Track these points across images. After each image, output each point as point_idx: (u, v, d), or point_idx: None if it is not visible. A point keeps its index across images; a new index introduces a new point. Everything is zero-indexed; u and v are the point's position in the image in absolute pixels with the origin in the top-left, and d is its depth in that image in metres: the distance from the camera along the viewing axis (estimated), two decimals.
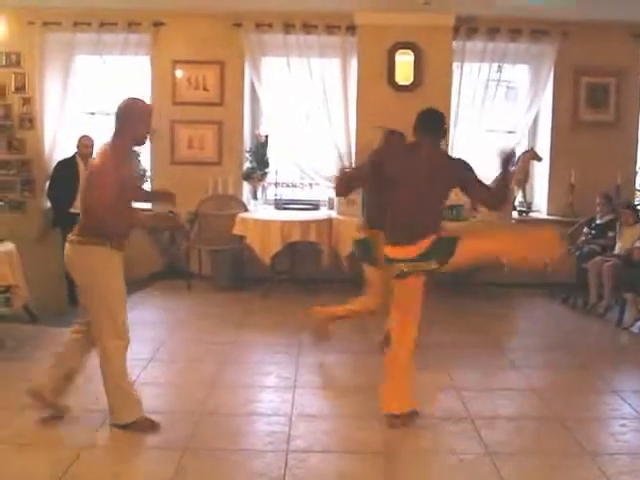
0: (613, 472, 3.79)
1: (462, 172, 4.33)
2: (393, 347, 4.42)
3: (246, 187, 8.69)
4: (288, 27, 8.18)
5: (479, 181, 4.34)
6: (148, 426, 4.16)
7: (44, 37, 8.22)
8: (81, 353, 4.24)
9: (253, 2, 7.86)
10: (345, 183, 4.93)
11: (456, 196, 7.15)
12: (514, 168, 8.37)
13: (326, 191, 8.60)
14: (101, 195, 3.89)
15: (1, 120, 8.47)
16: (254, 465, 3.82)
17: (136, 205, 4.39)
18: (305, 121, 8.72)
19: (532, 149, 8.59)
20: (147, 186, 8.41)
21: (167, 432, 4.16)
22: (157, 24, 8.28)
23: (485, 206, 4.87)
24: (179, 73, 8.44)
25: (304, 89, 8.38)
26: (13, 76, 8.39)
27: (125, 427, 4.12)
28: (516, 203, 8.65)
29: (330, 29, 8.19)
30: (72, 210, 6.74)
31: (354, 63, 8.29)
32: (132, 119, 4.05)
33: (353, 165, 8.07)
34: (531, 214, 8.74)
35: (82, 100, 8.47)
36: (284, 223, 7.60)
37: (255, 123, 8.81)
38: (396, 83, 8.23)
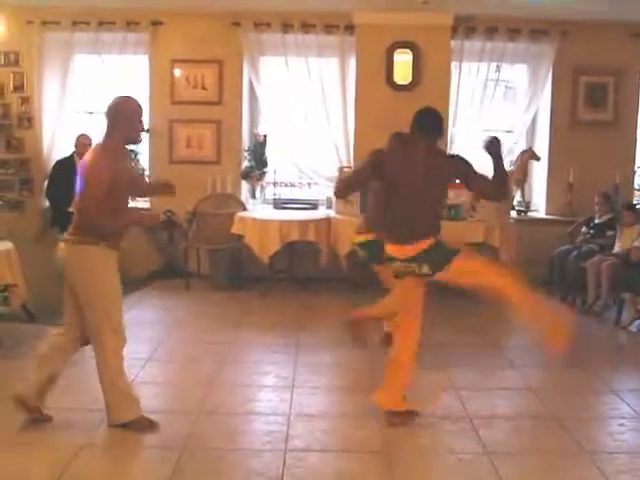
0: (612, 471, 3.79)
1: (461, 167, 4.33)
2: (395, 347, 4.43)
3: (244, 186, 8.69)
4: (286, 26, 8.18)
5: (478, 173, 4.34)
6: (146, 425, 4.15)
7: (43, 36, 8.22)
8: (64, 356, 4.22)
9: (251, 1, 7.86)
10: (345, 186, 4.94)
11: (455, 196, 7.22)
12: (512, 167, 8.39)
13: (325, 190, 8.61)
14: (91, 193, 3.89)
15: None
16: (252, 464, 3.81)
17: (134, 205, 4.40)
18: (303, 120, 8.71)
19: (531, 149, 8.59)
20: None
21: (165, 431, 4.16)
22: (155, 23, 8.28)
23: (488, 197, 4.87)
24: (177, 72, 8.43)
25: (302, 88, 8.38)
26: (12, 75, 8.39)
27: (123, 426, 4.12)
28: (515, 202, 8.66)
29: (328, 28, 8.19)
30: (71, 209, 6.72)
31: (352, 62, 8.29)
32: (122, 117, 4.05)
33: (353, 167, 8.05)
34: (530, 214, 8.75)
35: (80, 99, 8.47)
36: (282, 222, 7.60)
37: (254, 122, 8.81)
38: (395, 82, 8.23)
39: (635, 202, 8.61)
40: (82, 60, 8.46)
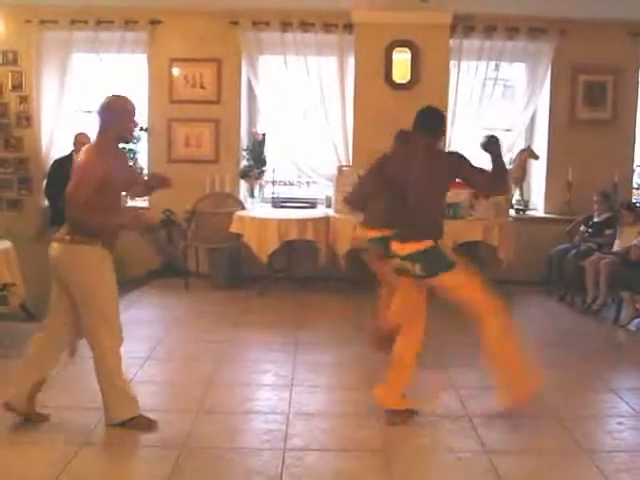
0: (611, 470, 3.78)
1: (461, 164, 4.31)
2: (398, 347, 4.43)
3: (243, 185, 8.69)
4: (285, 25, 8.18)
5: (477, 168, 4.32)
6: (145, 424, 4.15)
7: (41, 35, 8.22)
8: (50, 358, 4.20)
9: (250, 0, 7.85)
10: (354, 198, 5.16)
11: (454, 194, 7.21)
12: (510, 166, 8.38)
13: (323, 189, 8.61)
14: (82, 191, 3.88)
15: None
16: (251, 463, 3.81)
17: (134, 204, 4.38)
18: (302, 119, 8.71)
19: (529, 147, 8.60)
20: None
21: (164, 430, 4.16)
22: (154, 22, 8.27)
23: (489, 190, 4.90)
24: (176, 71, 8.43)
25: (301, 87, 8.38)
26: (10, 74, 8.39)
27: (122, 425, 4.11)
28: (513, 201, 8.66)
29: (327, 27, 8.19)
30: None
31: (351, 61, 8.29)
32: (115, 117, 4.04)
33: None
34: (528, 212, 8.75)
35: (79, 98, 8.47)
36: (281, 221, 7.60)
37: (252, 121, 8.81)
38: (393, 81, 8.23)
39: (634, 201, 8.62)
40: (80, 59, 8.46)
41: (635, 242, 6.90)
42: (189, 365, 5.47)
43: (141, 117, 8.31)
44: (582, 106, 8.49)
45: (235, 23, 8.20)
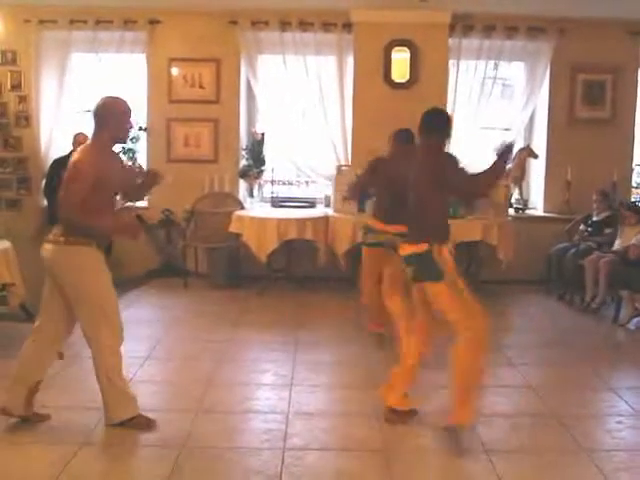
0: (610, 469, 3.79)
1: (448, 163, 4.19)
2: (404, 348, 4.44)
3: (242, 185, 8.68)
4: (284, 25, 8.18)
5: (461, 170, 4.20)
6: (144, 424, 4.15)
7: (40, 35, 8.21)
8: (46, 358, 4.19)
9: (249, 0, 7.85)
10: (352, 191, 5.99)
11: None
12: (510, 165, 8.37)
13: (323, 189, 8.61)
14: (73, 190, 3.88)
15: None
16: (251, 463, 3.81)
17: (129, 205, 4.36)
18: (301, 119, 8.70)
19: (528, 146, 8.59)
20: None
21: (163, 430, 4.16)
22: (153, 22, 8.27)
23: (462, 195, 4.95)
24: (175, 71, 8.43)
25: (300, 87, 8.37)
26: (9, 74, 8.38)
27: (121, 424, 4.11)
28: (512, 200, 8.66)
29: (326, 27, 8.19)
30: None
31: (350, 60, 8.29)
32: (111, 118, 4.03)
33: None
34: (528, 211, 8.75)
35: (78, 98, 8.45)
36: (280, 221, 7.60)
37: (251, 121, 8.81)
38: (392, 80, 8.23)
39: (633, 200, 8.62)
40: (79, 59, 8.45)
41: (634, 241, 6.90)
42: (188, 365, 5.47)
43: (140, 117, 8.33)
44: (581, 105, 8.49)
45: (234, 23, 8.20)
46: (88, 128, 7.68)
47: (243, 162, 8.60)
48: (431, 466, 3.95)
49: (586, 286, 7.17)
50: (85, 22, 8.13)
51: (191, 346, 5.92)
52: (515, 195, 8.72)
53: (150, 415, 4.21)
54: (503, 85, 9.17)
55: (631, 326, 6.75)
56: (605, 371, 5.43)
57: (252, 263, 7.82)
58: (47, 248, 4.03)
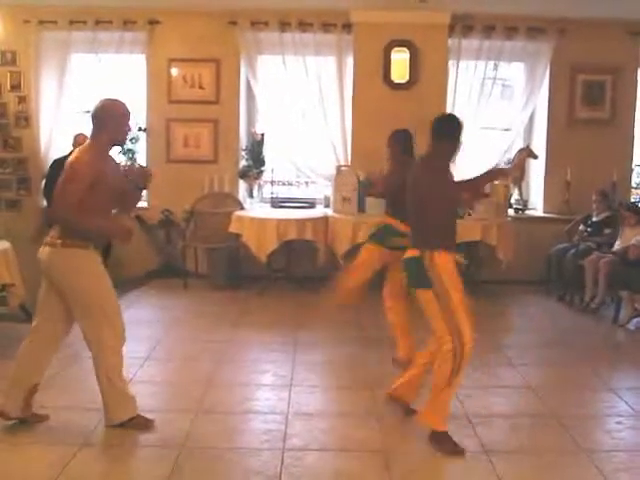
0: (610, 469, 3.79)
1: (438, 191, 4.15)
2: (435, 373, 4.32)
3: (242, 185, 8.68)
4: (284, 25, 8.17)
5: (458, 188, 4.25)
6: (143, 424, 4.15)
7: (40, 35, 8.21)
8: (43, 360, 4.18)
9: (249, 0, 7.85)
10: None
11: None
12: (510, 167, 8.37)
13: (322, 189, 8.61)
14: (70, 190, 3.88)
15: None
16: (250, 463, 3.81)
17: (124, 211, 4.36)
18: (301, 119, 8.69)
19: (528, 147, 8.58)
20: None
21: (164, 430, 4.16)
22: (153, 22, 8.27)
23: None
24: (175, 71, 8.42)
25: (300, 87, 8.36)
26: (9, 74, 8.38)
27: (121, 425, 4.12)
28: (512, 201, 8.66)
29: (326, 27, 8.18)
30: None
31: (350, 61, 8.29)
32: (109, 121, 4.03)
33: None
34: (527, 212, 8.75)
35: (78, 98, 8.45)
36: (280, 221, 7.60)
37: (251, 121, 8.81)
38: (392, 81, 8.23)
39: (633, 200, 8.62)
40: (79, 59, 8.44)
41: (634, 242, 6.90)
42: (188, 365, 5.47)
43: (140, 117, 8.33)
44: (581, 105, 8.49)
45: (234, 23, 8.19)
46: (88, 129, 7.74)
47: (243, 162, 8.59)
48: (431, 467, 3.95)
49: (586, 286, 7.18)
50: (85, 22, 8.13)
51: (191, 347, 5.92)
52: (515, 195, 8.72)
53: (150, 415, 4.22)
54: (503, 85, 9.17)
55: (631, 326, 6.75)
56: (605, 371, 5.43)
57: (252, 263, 7.82)
58: (44, 251, 4.02)
